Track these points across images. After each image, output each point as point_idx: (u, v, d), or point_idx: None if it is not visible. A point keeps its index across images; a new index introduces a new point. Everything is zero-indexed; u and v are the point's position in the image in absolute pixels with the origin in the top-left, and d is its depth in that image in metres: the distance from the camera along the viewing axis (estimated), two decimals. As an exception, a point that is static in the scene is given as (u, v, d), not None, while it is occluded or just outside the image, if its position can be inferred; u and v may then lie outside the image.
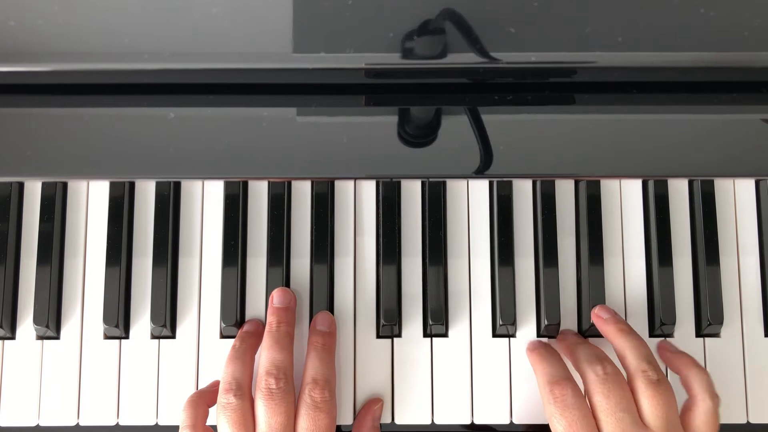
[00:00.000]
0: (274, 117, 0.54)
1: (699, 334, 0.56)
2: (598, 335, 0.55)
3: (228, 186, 0.56)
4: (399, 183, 0.57)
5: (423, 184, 0.57)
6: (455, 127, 0.55)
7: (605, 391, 0.48)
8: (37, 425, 0.55)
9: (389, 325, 0.54)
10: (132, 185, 0.57)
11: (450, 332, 0.55)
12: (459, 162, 0.54)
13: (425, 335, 0.55)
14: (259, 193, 0.57)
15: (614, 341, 0.52)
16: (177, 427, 0.52)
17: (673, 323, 0.55)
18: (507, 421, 0.55)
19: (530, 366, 0.54)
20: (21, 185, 0.57)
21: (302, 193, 0.57)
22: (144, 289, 0.56)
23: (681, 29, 0.51)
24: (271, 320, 0.53)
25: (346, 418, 0.54)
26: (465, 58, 0.52)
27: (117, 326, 0.54)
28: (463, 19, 0.51)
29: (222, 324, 0.55)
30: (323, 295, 0.55)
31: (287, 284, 0.56)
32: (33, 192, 0.57)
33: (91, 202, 0.57)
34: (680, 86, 0.55)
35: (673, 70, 0.54)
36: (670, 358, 0.53)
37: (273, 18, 0.51)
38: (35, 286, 0.55)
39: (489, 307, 0.56)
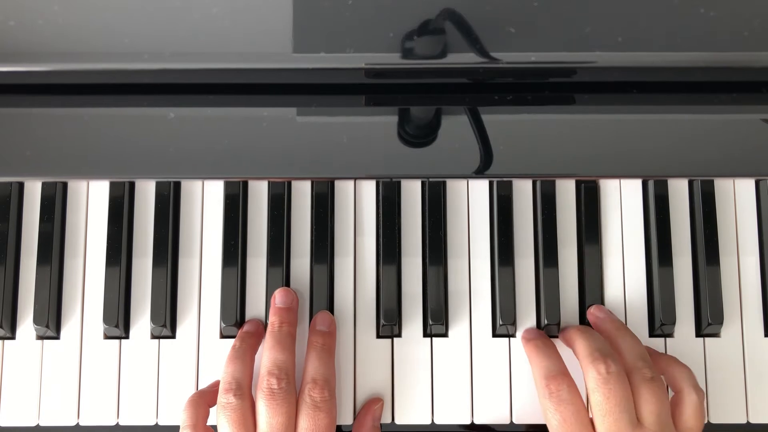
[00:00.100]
0: (274, 117, 0.54)
1: (699, 334, 0.56)
2: (598, 335, 0.55)
3: (228, 186, 0.56)
4: (399, 183, 0.57)
5: (423, 184, 0.57)
6: (455, 127, 0.55)
7: (606, 391, 0.48)
8: (37, 425, 0.55)
9: (389, 325, 0.54)
10: (132, 185, 0.57)
11: (450, 332, 0.55)
12: (459, 162, 0.54)
13: (425, 335, 0.55)
14: (259, 193, 0.57)
15: (610, 339, 0.52)
16: (177, 427, 0.52)
17: (673, 323, 0.55)
18: (507, 421, 0.55)
19: (530, 366, 0.54)
20: (21, 185, 0.57)
21: (302, 193, 0.57)
22: (144, 289, 0.56)
23: (681, 29, 0.51)
24: (273, 320, 0.53)
25: (347, 418, 0.54)
26: (465, 58, 0.52)
27: (117, 326, 0.54)
28: (463, 19, 0.51)
29: (222, 324, 0.55)
30: (323, 295, 0.55)
31: (287, 284, 0.56)
32: (33, 192, 0.57)
33: (91, 202, 0.57)
34: (680, 86, 0.55)
35: (673, 70, 0.54)
36: (654, 358, 0.53)
37: (273, 18, 0.51)
38: (35, 286, 0.55)
39: (489, 307, 0.56)
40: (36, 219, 0.56)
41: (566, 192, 0.57)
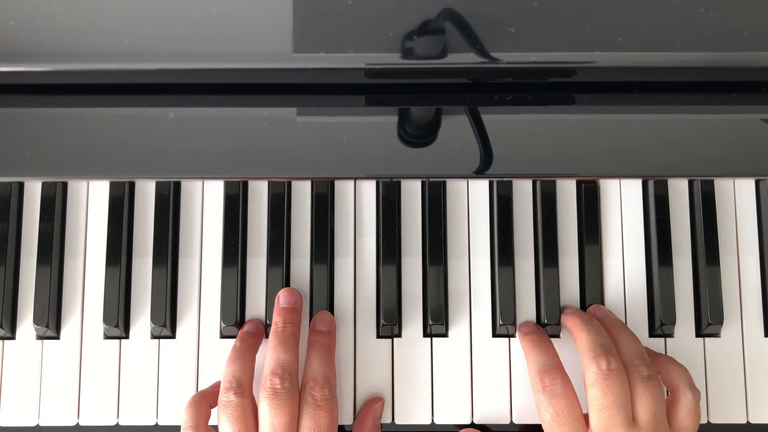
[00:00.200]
0: (274, 117, 0.54)
1: (699, 334, 0.56)
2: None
3: (228, 186, 0.56)
4: (399, 183, 0.57)
5: (423, 184, 0.57)
6: (455, 127, 0.55)
7: (605, 387, 0.48)
8: (37, 425, 0.55)
9: (389, 325, 0.54)
10: (132, 185, 0.57)
11: (450, 332, 0.55)
12: (459, 162, 0.54)
13: (425, 335, 0.55)
14: (259, 193, 0.57)
15: (609, 335, 0.52)
16: (177, 427, 0.53)
17: (673, 323, 0.55)
18: (507, 421, 0.55)
19: (526, 360, 0.54)
20: (21, 185, 0.57)
21: (302, 193, 0.57)
22: (144, 289, 0.56)
23: (681, 29, 0.51)
24: (277, 320, 0.53)
25: (347, 418, 0.54)
26: (465, 58, 0.52)
27: (117, 326, 0.54)
28: (463, 19, 0.51)
29: (222, 324, 0.55)
30: (323, 295, 0.55)
31: (287, 284, 0.56)
32: (33, 192, 0.57)
33: (91, 202, 0.57)
34: (680, 86, 0.55)
35: (673, 70, 0.54)
36: (651, 357, 0.53)
37: (273, 18, 0.51)
38: (35, 286, 0.55)
39: (489, 307, 0.56)
40: (36, 219, 0.56)
41: (566, 192, 0.57)
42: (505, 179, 0.56)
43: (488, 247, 0.56)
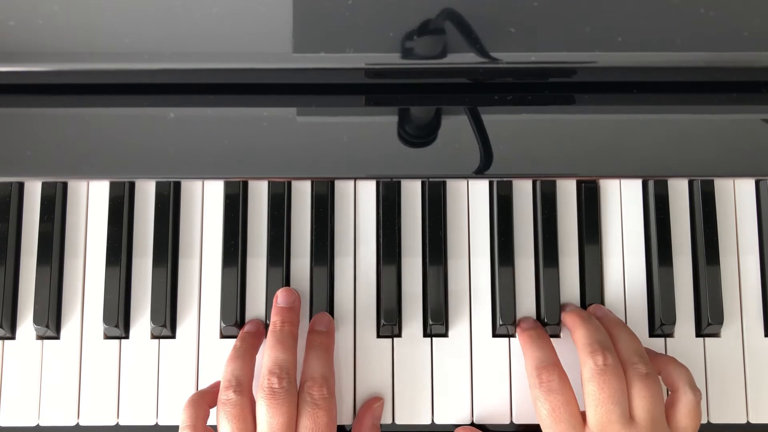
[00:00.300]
0: (274, 117, 0.54)
1: (699, 334, 0.56)
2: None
3: (228, 186, 0.56)
4: (399, 183, 0.57)
5: (423, 184, 0.57)
6: (455, 127, 0.55)
7: (602, 382, 0.48)
8: (37, 425, 0.55)
9: (389, 325, 0.54)
10: (132, 185, 0.57)
11: (450, 332, 0.55)
12: (459, 162, 0.54)
13: (425, 335, 0.55)
14: (259, 193, 0.57)
15: (608, 334, 0.52)
16: (177, 427, 0.52)
17: (673, 323, 0.55)
18: (507, 421, 0.55)
19: (523, 356, 0.54)
20: (21, 185, 0.57)
21: (302, 193, 0.57)
22: (144, 289, 0.56)
23: (681, 29, 0.51)
24: (275, 320, 0.53)
25: (347, 418, 0.54)
26: (465, 58, 0.52)
27: (117, 326, 0.54)
28: (463, 19, 0.51)
29: (222, 324, 0.55)
30: (323, 295, 0.55)
31: (287, 284, 0.56)
32: (33, 192, 0.57)
33: (91, 202, 0.57)
34: (680, 86, 0.55)
35: (673, 70, 0.54)
36: (652, 358, 0.53)
37: (273, 18, 0.51)
38: (35, 286, 0.55)
39: (489, 307, 0.56)
40: (36, 219, 0.56)
41: (566, 192, 0.57)
42: (505, 179, 0.56)
43: (488, 247, 0.56)
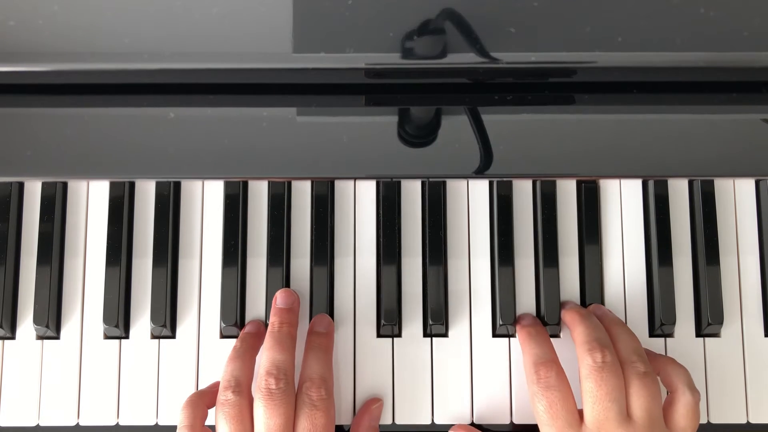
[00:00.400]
0: (274, 117, 0.54)
1: (699, 334, 0.56)
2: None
3: (228, 186, 0.56)
4: (399, 183, 0.57)
5: (423, 184, 0.57)
6: (455, 127, 0.55)
7: (599, 379, 0.48)
8: (37, 425, 0.55)
9: (389, 325, 0.54)
10: (132, 185, 0.57)
11: (450, 332, 0.55)
12: (459, 162, 0.54)
13: (425, 335, 0.55)
14: (259, 193, 0.57)
15: (607, 332, 0.52)
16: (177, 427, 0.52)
17: (673, 323, 0.55)
18: (507, 421, 0.55)
19: (522, 352, 0.54)
20: (21, 185, 0.57)
21: (302, 193, 0.57)
22: (144, 289, 0.56)
23: (681, 29, 0.51)
24: (273, 321, 0.53)
25: (347, 418, 0.54)
26: (465, 58, 0.52)
27: (117, 326, 0.54)
28: (463, 19, 0.51)
29: (222, 324, 0.55)
30: (323, 295, 0.55)
31: (287, 284, 0.56)
32: (33, 192, 0.57)
33: (91, 202, 0.57)
34: (680, 86, 0.55)
35: (673, 70, 0.54)
36: (651, 358, 0.53)
37: (273, 18, 0.51)
38: (35, 286, 0.55)
39: (489, 307, 0.56)
40: (36, 219, 0.56)
41: (566, 192, 0.57)
42: (505, 179, 0.56)
43: (488, 247, 0.56)
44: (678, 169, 0.55)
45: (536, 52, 0.52)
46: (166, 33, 0.51)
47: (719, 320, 0.55)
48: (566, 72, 0.53)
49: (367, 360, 0.55)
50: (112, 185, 0.56)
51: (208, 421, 0.52)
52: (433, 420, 0.55)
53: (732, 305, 0.56)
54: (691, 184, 0.57)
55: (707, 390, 0.55)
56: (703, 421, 0.55)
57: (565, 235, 0.57)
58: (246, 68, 0.53)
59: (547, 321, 0.55)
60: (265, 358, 0.50)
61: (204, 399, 0.52)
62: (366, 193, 0.57)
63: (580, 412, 0.50)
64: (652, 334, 0.56)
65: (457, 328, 0.55)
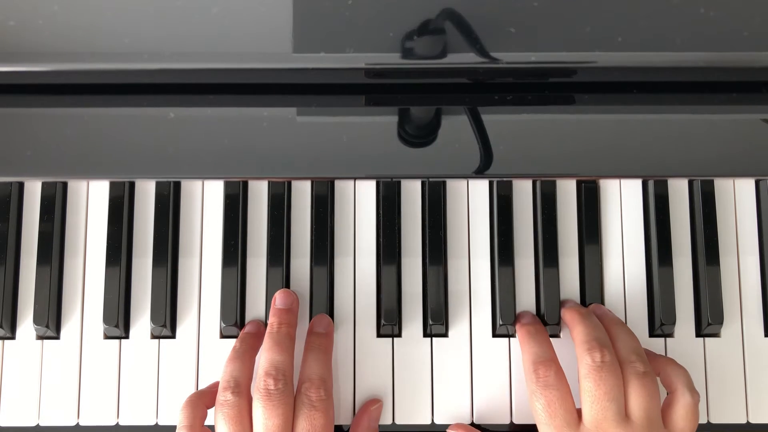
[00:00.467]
0: (274, 117, 0.54)
1: (699, 334, 0.56)
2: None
3: (228, 186, 0.56)
4: (399, 183, 0.57)
5: (423, 184, 0.57)
6: (455, 127, 0.55)
7: (598, 379, 0.48)
8: (37, 425, 0.55)
9: (389, 325, 0.54)
10: (132, 185, 0.57)
11: (450, 332, 0.55)
12: (459, 162, 0.54)
13: (425, 335, 0.55)
14: (259, 193, 0.57)
15: (607, 332, 0.52)
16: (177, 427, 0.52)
17: (673, 323, 0.55)
18: (507, 421, 0.55)
19: (521, 351, 0.54)
20: (21, 185, 0.57)
21: (302, 193, 0.57)
22: (144, 289, 0.56)
23: (681, 29, 0.51)
24: (272, 321, 0.53)
25: (346, 418, 0.54)
26: (465, 58, 0.52)
27: (117, 326, 0.54)
28: (463, 19, 0.51)
29: (222, 324, 0.55)
30: (323, 295, 0.55)
31: (287, 284, 0.56)
32: (33, 192, 0.57)
33: (91, 202, 0.57)
34: (680, 86, 0.55)
35: (673, 70, 0.54)
36: (651, 359, 0.53)
37: (273, 18, 0.51)
38: (35, 286, 0.55)
39: (489, 307, 0.56)
40: (36, 219, 0.56)
41: (566, 192, 0.57)
42: (505, 179, 0.56)
43: (488, 247, 0.56)
44: (678, 169, 0.55)
45: (536, 52, 0.52)
46: (166, 33, 0.51)
47: (719, 320, 0.55)
48: (566, 72, 0.53)
49: (367, 360, 0.55)
50: (112, 185, 0.56)
51: (208, 421, 0.52)
52: (433, 420, 0.55)
53: (732, 305, 0.56)
54: (691, 184, 0.57)
55: (707, 390, 0.55)
56: (703, 421, 0.55)
57: (565, 235, 0.57)
58: (246, 68, 0.53)
59: (547, 321, 0.55)
60: (264, 358, 0.50)
61: (203, 399, 0.52)
62: (366, 193, 0.57)
63: (579, 412, 0.50)
64: (652, 334, 0.56)
65: (457, 328, 0.55)
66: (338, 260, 0.56)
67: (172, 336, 0.55)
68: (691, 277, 0.56)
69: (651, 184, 0.57)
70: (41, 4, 0.51)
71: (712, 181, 0.57)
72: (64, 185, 0.57)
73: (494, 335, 0.56)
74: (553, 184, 0.56)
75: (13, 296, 0.56)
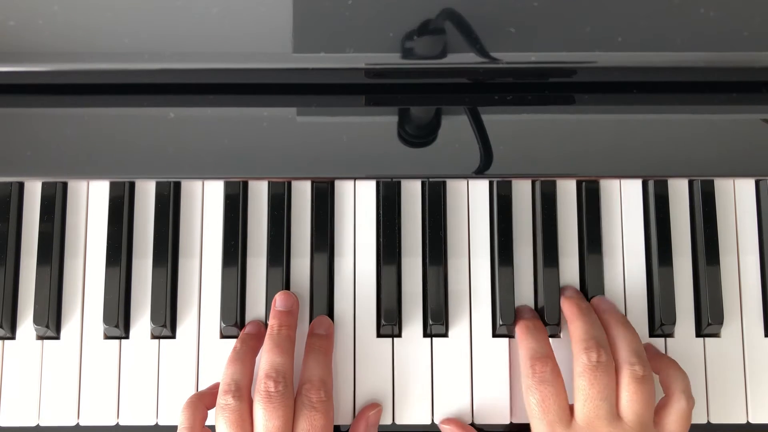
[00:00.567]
0: (274, 117, 0.54)
1: (699, 334, 0.56)
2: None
3: (228, 186, 0.56)
4: (399, 183, 0.57)
5: (423, 184, 0.57)
6: (455, 127, 0.55)
7: (592, 378, 0.49)
8: (37, 425, 0.55)
9: (389, 325, 0.54)
10: (132, 185, 0.57)
11: (450, 332, 0.55)
12: (459, 162, 0.54)
13: (425, 335, 0.55)
14: (259, 193, 0.57)
15: (609, 330, 0.53)
16: (177, 427, 0.52)
17: (673, 323, 0.55)
18: (507, 421, 0.55)
19: (518, 346, 0.54)
20: (21, 185, 0.57)
21: (302, 193, 0.57)
22: (144, 289, 0.56)
23: (681, 29, 0.51)
24: (272, 323, 0.53)
25: (346, 418, 0.54)
26: (465, 58, 0.52)
27: (117, 326, 0.54)
28: (463, 19, 0.51)
29: (222, 324, 0.55)
30: (323, 295, 0.55)
31: (287, 284, 0.56)
32: (33, 192, 0.57)
33: (91, 202, 0.57)
34: (680, 86, 0.55)
35: (673, 70, 0.54)
36: (653, 358, 0.53)
37: (273, 18, 0.51)
38: (35, 286, 0.55)
39: (489, 307, 0.56)
40: (36, 219, 0.56)
41: (566, 192, 0.57)
42: (505, 179, 0.56)
43: (488, 247, 0.56)
44: (678, 169, 0.55)
45: (536, 52, 0.52)
46: (166, 33, 0.51)
47: (719, 320, 0.55)
48: (566, 72, 0.53)
49: (367, 360, 0.55)
50: (112, 185, 0.56)
51: (208, 421, 0.52)
52: (433, 420, 0.55)
53: (732, 305, 0.56)
54: (691, 184, 0.57)
55: (707, 390, 0.55)
56: (703, 420, 0.55)
57: (565, 235, 0.56)
58: (246, 68, 0.53)
59: (547, 321, 0.55)
60: (264, 360, 0.51)
61: (204, 400, 0.52)
62: (366, 193, 0.57)
63: (571, 408, 0.50)
64: (652, 334, 0.56)
65: (457, 328, 0.55)
66: (338, 260, 0.56)
67: (172, 336, 0.55)
68: (691, 277, 0.56)
69: (651, 184, 0.57)
70: (41, 4, 0.51)
71: (712, 181, 0.57)
72: (64, 185, 0.57)
73: (494, 335, 0.56)
74: (553, 184, 0.56)
75: (13, 296, 0.56)
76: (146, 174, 0.55)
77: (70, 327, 0.55)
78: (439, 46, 0.52)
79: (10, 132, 0.54)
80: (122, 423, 0.55)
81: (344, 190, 0.57)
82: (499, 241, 0.56)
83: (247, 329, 0.54)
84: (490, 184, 0.57)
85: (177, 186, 0.57)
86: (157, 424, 0.55)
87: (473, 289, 0.56)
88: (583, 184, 0.57)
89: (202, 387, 0.55)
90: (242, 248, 0.56)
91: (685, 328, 0.56)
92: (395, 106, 0.55)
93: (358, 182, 0.57)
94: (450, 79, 0.55)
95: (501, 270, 0.55)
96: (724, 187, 0.57)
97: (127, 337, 0.56)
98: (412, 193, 0.57)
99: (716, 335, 0.56)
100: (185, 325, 0.55)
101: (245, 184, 0.57)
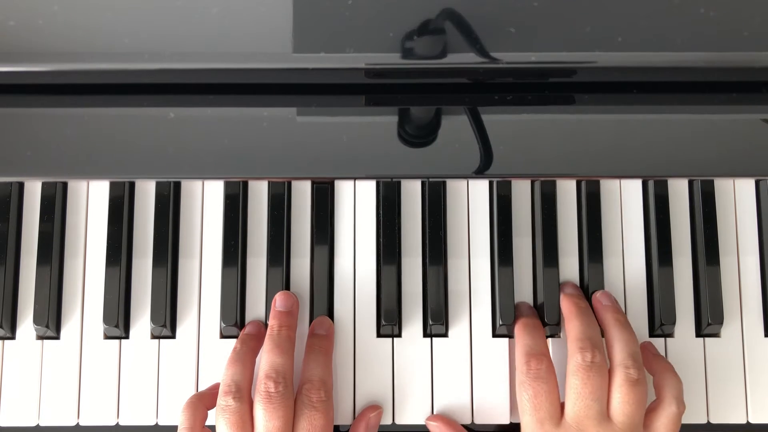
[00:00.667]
0: (274, 117, 0.54)
1: (699, 334, 0.56)
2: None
3: (228, 186, 0.56)
4: (399, 183, 0.57)
5: (423, 184, 0.57)
6: (455, 127, 0.55)
7: (585, 378, 0.49)
8: (37, 425, 0.55)
9: (389, 325, 0.54)
10: (132, 185, 0.57)
11: (450, 332, 0.55)
12: (459, 162, 0.54)
13: (425, 335, 0.55)
14: (259, 193, 0.57)
15: (607, 330, 0.53)
16: (177, 428, 0.52)
17: (673, 323, 0.55)
18: (507, 421, 0.55)
19: (515, 342, 0.54)
20: (21, 185, 0.57)
21: (302, 193, 0.57)
22: (144, 289, 0.56)
23: (681, 29, 0.51)
24: (272, 324, 0.53)
25: (346, 418, 0.54)
26: (465, 58, 0.52)
27: (117, 326, 0.54)
28: (463, 19, 0.51)
29: (222, 324, 0.55)
30: (323, 295, 0.55)
31: (287, 284, 0.56)
32: (33, 192, 0.57)
33: (91, 202, 0.57)
34: (680, 86, 0.55)
35: (673, 70, 0.54)
36: (650, 359, 0.53)
37: (273, 18, 0.51)
38: (35, 286, 0.55)
39: (489, 307, 0.56)
40: (36, 219, 0.56)
41: (566, 192, 0.57)
42: (505, 179, 0.56)
43: (488, 247, 0.56)
44: (678, 169, 0.55)
45: (536, 52, 0.52)
46: (166, 33, 0.51)
47: (719, 320, 0.55)
48: (566, 72, 0.53)
49: (367, 360, 0.55)
50: (112, 185, 0.56)
51: (208, 422, 0.52)
52: (433, 420, 0.55)
53: (732, 305, 0.56)
54: (691, 184, 0.57)
55: (707, 390, 0.55)
56: (703, 421, 0.55)
57: (565, 235, 0.56)
58: (246, 68, 0.53)
59: (547, 321, 0.55)
60: (264, 361, 0.51)
61: (204, 401, 0.52)
62: (366, 193, 0.57)
63: (562, 406, 0.50)
64: (652, 334, 0.56)
65: (457, 328, 0.55)
66: (338, 260, 0.56)
67: (172, 336, 0.55)
68: (691, 277, 0.56)
69: (651, 184, 0.57)
70: (41, 4, 0.51)
71: (712, 181, 0.57)
72: (64, 185, 0.57)
73: (494, 335, 0.56)
74: (553, 184, 0.56)
75: (13, 296, 0.56)
76: (146, 174, 0.55)
77: (70, 327, 0.55)
78: (439, 46, 0.52)
79: (10, 132, 0.54)
80: (122, 423, 0.55)
81: (344, 190, 0.57)
82: (498, 241, 0.56)
83: (247, 329, 0.54)
84: (490, 184, 0.57)
85: (177, 186, 0.57)
86: (157, 424, 0.55)
87: (473, 289, 0.56)
88: (583, 184, 0.57)
89: (202, 387, 0.55)
90: (242, 248, 0.56)
91: (685, 328, 0.56)
92: (395, 106, 0.55)
93: (358, 182, 0.57)
94: (450, 79, 0.55)
95: (501, 270, 0.55)
96: (724, 187, 0.57)
97: (127, 337, 0.56)
98: (412, 193, 0.57)
99: (716, 335, 0.56)
100: (185, 325, 0.55)
101: (245, 184, 0.57)
